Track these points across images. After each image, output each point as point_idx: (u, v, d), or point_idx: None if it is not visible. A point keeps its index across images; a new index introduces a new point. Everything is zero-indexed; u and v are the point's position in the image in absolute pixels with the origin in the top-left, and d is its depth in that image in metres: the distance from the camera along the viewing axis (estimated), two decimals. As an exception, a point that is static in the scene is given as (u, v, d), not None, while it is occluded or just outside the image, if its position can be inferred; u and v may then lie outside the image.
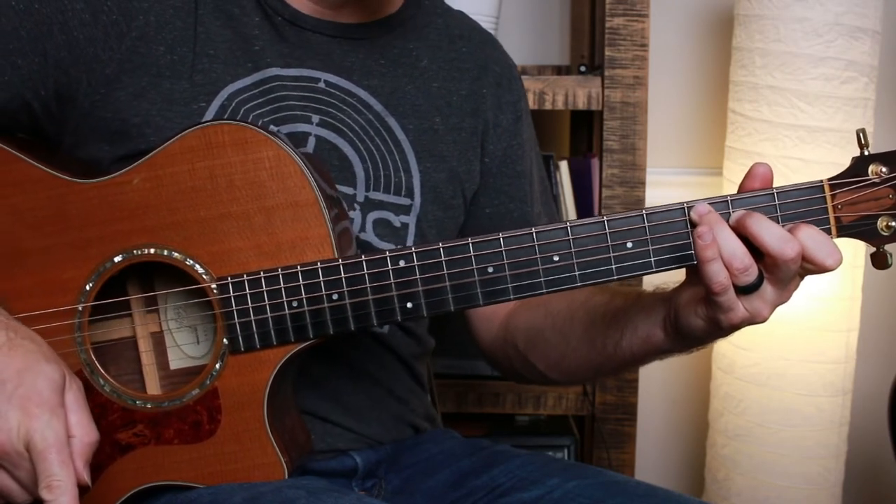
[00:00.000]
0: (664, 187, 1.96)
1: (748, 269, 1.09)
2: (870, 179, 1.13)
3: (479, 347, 1.53)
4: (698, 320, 1.16)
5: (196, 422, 1.19)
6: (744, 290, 1.11)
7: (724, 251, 1.09)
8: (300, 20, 1.34)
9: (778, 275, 1.11)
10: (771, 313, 1.14)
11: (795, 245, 1.09)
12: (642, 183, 1.98)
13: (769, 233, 1.09)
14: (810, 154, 1.93)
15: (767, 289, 1.12)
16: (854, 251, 2.00)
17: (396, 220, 1.36)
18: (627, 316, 1.26)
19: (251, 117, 1.29)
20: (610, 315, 1.29)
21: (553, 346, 1.39)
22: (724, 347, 2.12)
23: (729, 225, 1.11)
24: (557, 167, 2.09)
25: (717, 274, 1.10)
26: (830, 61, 1.92)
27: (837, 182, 1.13)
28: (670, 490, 1.28)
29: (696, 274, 1.14)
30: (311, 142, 1.31)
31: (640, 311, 1.25)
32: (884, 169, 1.12)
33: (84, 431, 1.09)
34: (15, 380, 1.06)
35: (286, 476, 1.19)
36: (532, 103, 1.96)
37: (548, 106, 1.98)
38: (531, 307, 1.43)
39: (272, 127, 1.29)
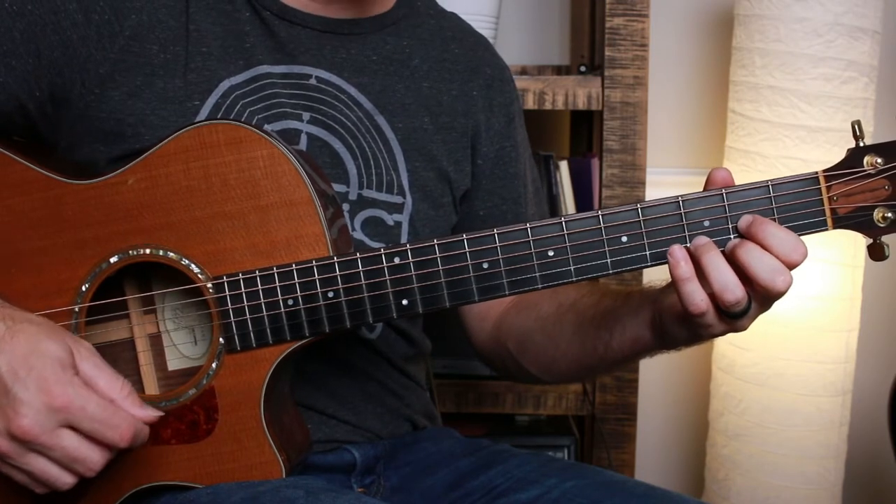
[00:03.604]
0: (664, 187, 1.96)
1: (739, 301, 1.09)
2: (865, 170, 1.12)
3: (472, 347, 1.54)
4: (681, 331, 1.18)
5: (193, 421, 1.19)
6: (731, 316, 1.11)
7: (715, 282, 1.09)
8: (289, 14, 1.34)
9: (768, 302, 1.12)
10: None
11: (787, 277, 1.08)
12: (642, 183, 1.98)
13: (761, 264, 1.08)
14: (810, 154, 1.93)
15: (752, 307, 1.12)
16: (854, 251, 2.00)
17: (389, 219, 1.36)
18: (616, 316, 1.27)
19: (247, 112, 1.29)
20: (599, 316, 1.30)
21: (543, 350, 1.39)
22: (724, 347, 2.12)
23: (724, 253, 1.11)
24: (557, 167, 2.09)
25: (692, 294, 1.10)
26: (830, 61, 1.92)
27: (833, 173, 1.13)
28: (669, 490, 1.28)
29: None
30: (303, 139, 1.32)
31: (629, 311, 1.25)
32: (879, 160, 1.12)
33: (118, 388, 1.08)
34: (24, 366, 1.05)
35: (284, 475, 1.19)
36: (532, 103, 1.96)
37: (548, 106, 1.97)
38: (521, 310, 1.43)
39: (266, 126, 1.29)
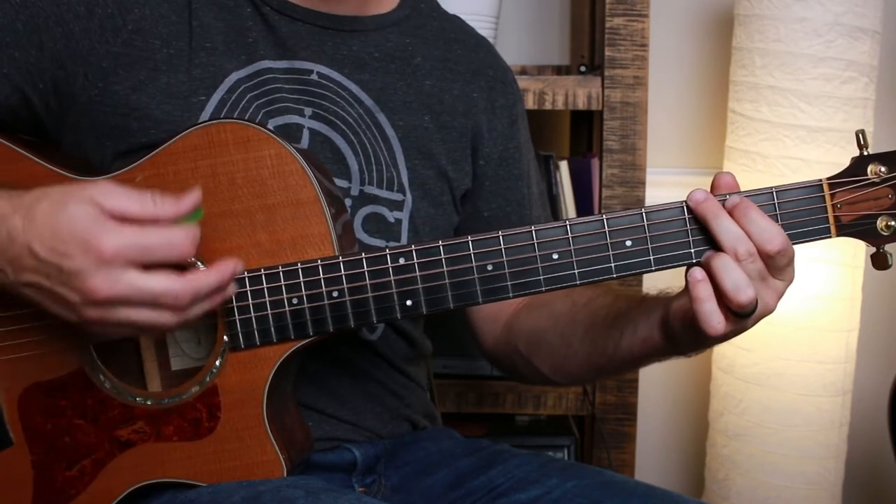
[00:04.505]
0: (664, 187, 1.96)
1: (752, 301, 1.10)
2: (869, 179, 1.13)
3: (481, 349, 1.53)
4: (686, 335, 1.18)
5: (196, 419, 1.19)
6: (740, 316, 1.11)
7: (727, 284, 1.09)
8: (289, 10, 1.34)
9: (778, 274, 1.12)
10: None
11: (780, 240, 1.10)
12: (642, 183, 1.98)
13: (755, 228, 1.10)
14: (810, 154, 1.93)
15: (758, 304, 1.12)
16: (854, 251, 2.00)
17: (390, 216, 1.36)
18: (629, 317, 1.27)
19: (254, 106, 1.29)
20: (612, 317, 1.30)
21: (555, 349, 1.39)
22: (723, 347, 2.12)
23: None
24: (557, 167, 2.09)
25: (710, 315, 1.10)
26: (830, 61, 1.92)
27: (837, 181, 1.14)
28: (668, 490, 1.28)
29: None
30: (305, 134, 1.32)
31: (642, 312, 1.25)
32: (883, 169, 1.13)
33: (150, 204, 1.07)
34: (58, 240, 1.04)
35: (285, 474, 1.19)
36: (532, 103, 1.96)
37: (548, 106, 1.98)
38: (534, 310, 1.43)
39: (269, 121, 1.29)
